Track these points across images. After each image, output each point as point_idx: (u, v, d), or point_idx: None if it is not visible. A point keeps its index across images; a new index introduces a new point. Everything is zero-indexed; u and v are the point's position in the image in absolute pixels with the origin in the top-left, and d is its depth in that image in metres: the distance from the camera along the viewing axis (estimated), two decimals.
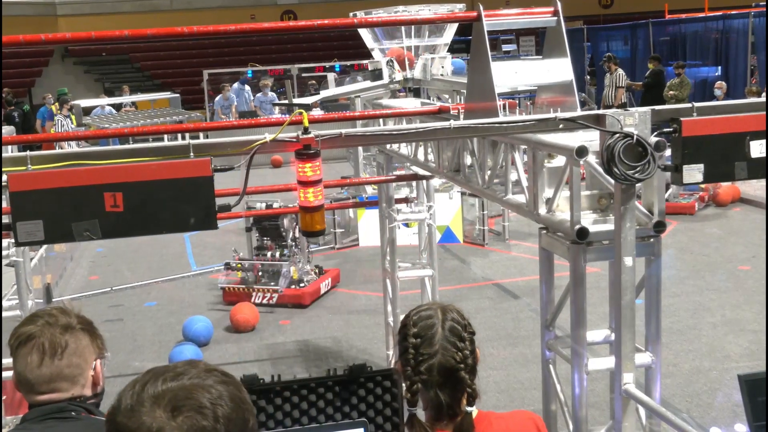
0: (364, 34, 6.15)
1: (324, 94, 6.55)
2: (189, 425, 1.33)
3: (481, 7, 3.55)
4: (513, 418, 2.28)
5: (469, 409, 2.15)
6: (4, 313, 5.27)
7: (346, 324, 8.35)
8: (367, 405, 2.72)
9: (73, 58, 27.84)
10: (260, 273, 9.07)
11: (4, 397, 5.11)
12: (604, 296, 3.59)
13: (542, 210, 3.51)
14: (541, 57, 3.85)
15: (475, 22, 3.59)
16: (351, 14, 5.20)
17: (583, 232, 3.20)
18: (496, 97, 3.51)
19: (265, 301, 8.76)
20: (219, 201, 3.07)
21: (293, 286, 8.97)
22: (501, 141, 3.84)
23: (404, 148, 5.62)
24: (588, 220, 3.33)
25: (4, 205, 3.41)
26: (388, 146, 5.89)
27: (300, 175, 3.15)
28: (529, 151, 3.56)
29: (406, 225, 8.09)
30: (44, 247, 8.70)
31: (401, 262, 6.60)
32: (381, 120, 5.49)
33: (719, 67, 18.42)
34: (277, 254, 9.15)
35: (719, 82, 15.44)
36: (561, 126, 3.22)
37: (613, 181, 3.12)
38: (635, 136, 3.01)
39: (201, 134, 9.99)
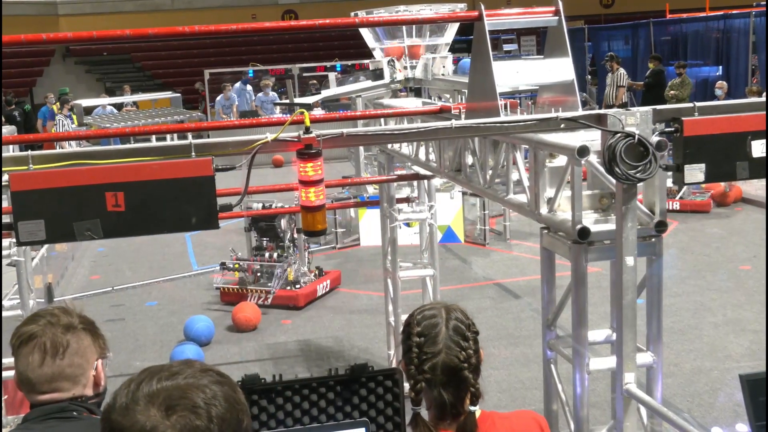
0: (366, 33, 6.15)
1: (325, 93, 6.56)
2: (182, 424, 1.34)
3: (483, 7, 3.55)
4: (516, 418, 2.28)
5: (472, 408, 2.15)
6: (6, 313, 5.27)
7: (348, 324, 8.35)
8: (369, 405, 2.72)
9: (75, 58, 27.85)
10: (258, 273, 9.03)
11: (5, 397, 5.12)
12: (605, 296, 3.59)
13: (543, 210, 3.51)
14: (542, 57, 3.85)
15: (477, 21, 3.59)
16: (352, 14, 5.20)
17: (584, 232, 3.20)
18: (497, 96, 3.51)
19: (260, 302, 8.71)
20: (220, 201, 3.07)
21: (288, 288, 8.91)
22: (502, 141, 3.84)
23: (405, 148, 5.62)
24: (589, 219, 3.32)
25: (6, 204, 3.41)
26: (389, 146, 5.89)
27: (301, 174, 3.15)
28: (530, 150, 3.56)
29: (407, 225, 8.09)
30: (45, 246, 8.72)
31: (402, 262, 6.60)
32: (382, 120, 5.49)
33: (720, 67, 18.41)
34: (276, 255, 9.10)
35: (720, 81, 15.43)
36: (562, 126, 3.22)
37: (614, 180, 3.12)
38: (637, 136, 3.01)
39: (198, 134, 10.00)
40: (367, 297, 9.12)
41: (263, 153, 3.10)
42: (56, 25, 26.85)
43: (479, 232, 11.29)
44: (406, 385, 2.36)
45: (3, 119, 18.20)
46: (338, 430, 2.45)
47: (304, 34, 28.00)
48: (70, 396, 2.17)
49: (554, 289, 3.63)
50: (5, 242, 5.25)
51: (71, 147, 9.79)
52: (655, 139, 3.05)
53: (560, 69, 3.65)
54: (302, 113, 3.17)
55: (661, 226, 3.28)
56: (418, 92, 6.03)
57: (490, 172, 4.05)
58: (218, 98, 20.07)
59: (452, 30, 5.92)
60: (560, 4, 3.63)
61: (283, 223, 9.13)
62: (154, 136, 4.65)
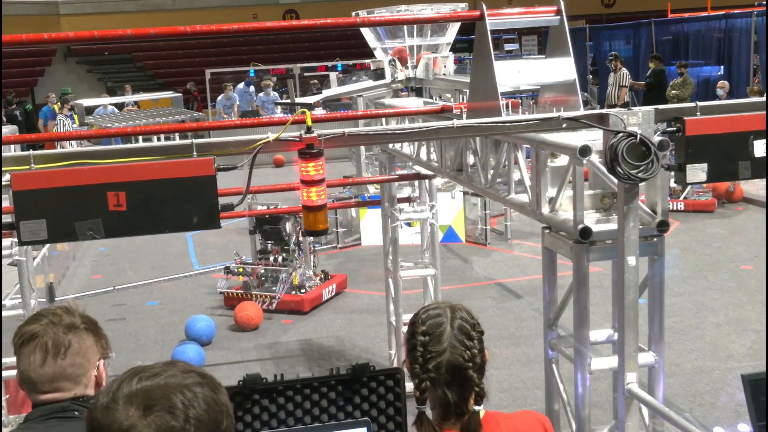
0: (367, 33, 6.15)
1: (326, 93, 6.56)
2: (158, 424, 1.35)
3: (484, 7, 3.55)
4: (520, 418, 2.28)
5: (476, 408, 2.15)
6: (7, 313, 5.28)
7: (349, 323, 8.35)
8: (370, 404, 2.72)
9: (76, 58, 27.88)
10: (262, 278, 8.88)
11: (6, 396, 5.12)
12: (606, 296, 3.59)
13: (545, 209, 3.51)
14: (543, 56, 3.85)
15: (478, 21, 3.58)
16: (353, 13, 5.19)
17: (586, 232, 3.20)
18: (499, 96, 3.51)
19: (264, 307, 8.53)
20: (222, 200, 3.07)
21: (293, 292, 8.74)
22: (504, 140, 3.84)
23: (407, 148, 5.62)
24: (591, 219, 3.32)
25: (7, 204, 3.41)
26: (390, 146, 5.89)
27: (303, 174, 3.14)
28: (532, 150, 3.56)
29: (409, 224, 8.09)
30: (47, 246, 8.71)
31: (404, 262, 6.60)
32: (383, 119, 5.49)
33: (722, 67, 18.41)
34: (281, 258, 8.88)
35: (722, 81, 15.42)
36: (564, 125, 3.21)
37: (616, 180, 3.12)
38: (639, 136, 3.00)
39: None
40: (368, 297, 9.11)
41: (265, 153, 3.10)
42: (57, 24, 26.89)
43: (480, 231, 11.28)
44: (408, 385, 2.35)
45: (4, 119, 18.22)
46: (340, 429, 2.46)
47: (305, 34, 28.01)
48: (71, 396, 2.17)
49: (556, 289, 3.62)
50: (7, 242, 5.25)
51: (72, 147, 9.80)
52: (657, 138, 3.05)
53: (562, 69, 3.64)
54: (304, 113, 3.17)
55: (663, 226, 3.28)
56: (419, 92, 6.03)
57: (492, 171, 4.05)
58: (219, 98, 20.08)
59: (453, 30, 5.92)
60: (562, 3, 3.62)
61: (288, 226, 8.89)
62: (155, 136, 4.65)
